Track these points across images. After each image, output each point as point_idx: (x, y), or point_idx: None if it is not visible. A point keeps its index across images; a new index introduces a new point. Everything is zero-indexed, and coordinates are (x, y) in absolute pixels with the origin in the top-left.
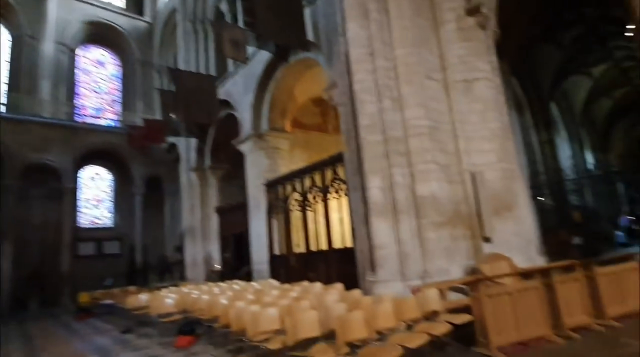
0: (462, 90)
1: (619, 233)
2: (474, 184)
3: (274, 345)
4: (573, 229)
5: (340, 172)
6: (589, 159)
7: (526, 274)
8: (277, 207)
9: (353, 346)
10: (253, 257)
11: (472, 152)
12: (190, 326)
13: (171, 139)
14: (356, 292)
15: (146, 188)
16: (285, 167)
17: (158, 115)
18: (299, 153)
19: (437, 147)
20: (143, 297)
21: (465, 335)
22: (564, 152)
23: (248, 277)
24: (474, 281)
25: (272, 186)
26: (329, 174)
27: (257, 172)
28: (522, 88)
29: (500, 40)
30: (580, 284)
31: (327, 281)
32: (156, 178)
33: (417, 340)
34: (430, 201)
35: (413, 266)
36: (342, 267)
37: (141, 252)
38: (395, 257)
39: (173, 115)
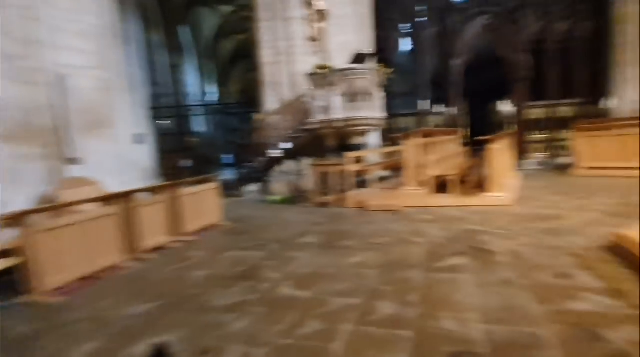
0: None
1: (226, 156)
2: (60, 91)
3: None
4: (187, 153)
5: None
6: (213, 90)
7: (110, 200)
8: None
9: None
10: None
11: (60, 49)
12: None
13: None
14: None
15: None
16: None
17: None
18: None
19: None
20: None
21: (15, 281)
22: (192, 80)
23: None
24: (22, 214)
25: None
26: None
27: None
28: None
29: None
30: (165, 205)
31: None
32: None
33: None
34: None
35: None
36: None
37: None
38: None
39: None
